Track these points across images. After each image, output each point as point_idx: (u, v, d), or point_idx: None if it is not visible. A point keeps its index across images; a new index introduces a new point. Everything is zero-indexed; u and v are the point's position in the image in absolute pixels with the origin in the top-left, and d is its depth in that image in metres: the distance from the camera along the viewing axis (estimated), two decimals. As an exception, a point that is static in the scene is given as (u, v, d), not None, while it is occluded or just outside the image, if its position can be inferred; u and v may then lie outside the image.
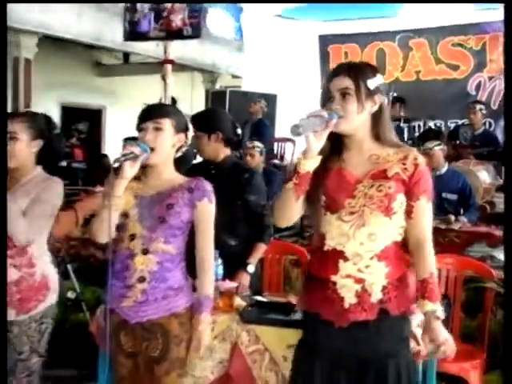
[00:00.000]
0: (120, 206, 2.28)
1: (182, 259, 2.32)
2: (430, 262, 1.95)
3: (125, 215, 2.29)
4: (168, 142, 2.30)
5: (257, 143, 5.28)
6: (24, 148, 2.54)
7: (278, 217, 2.08)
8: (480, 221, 4.72)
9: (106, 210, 2.26)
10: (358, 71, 1.95)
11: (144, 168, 2.32)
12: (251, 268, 3.10)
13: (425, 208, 1.95)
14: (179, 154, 2.37)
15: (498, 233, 4.21)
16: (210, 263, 2.32)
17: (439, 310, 1.92)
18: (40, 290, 2.55)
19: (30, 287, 2.52)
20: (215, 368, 2.58)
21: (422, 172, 1.94)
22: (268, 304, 2.71)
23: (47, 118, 2.78)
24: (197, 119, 3.06)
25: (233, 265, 2.99)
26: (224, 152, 3.13)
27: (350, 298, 1.93)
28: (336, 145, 2.01)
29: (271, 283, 3.45)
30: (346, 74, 1.94)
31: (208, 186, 2.31)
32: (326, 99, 1.97)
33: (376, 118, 1.96)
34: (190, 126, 2.43)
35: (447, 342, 1.93)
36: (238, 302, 2.70)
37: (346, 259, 1.93)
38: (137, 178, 2.36)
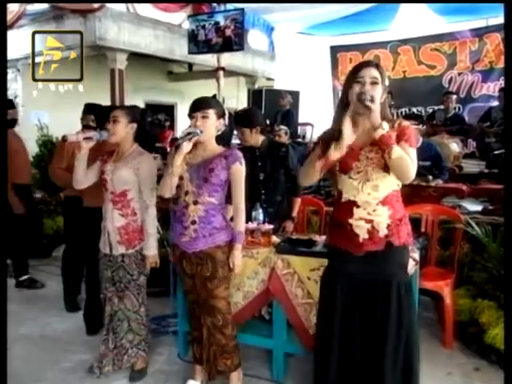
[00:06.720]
0: (178, 173, 2.28)
1: (223, 207, 2.33)
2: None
3: (180, 178, 2.29)
4: (212, 126, 2.29)
5: (282, 126, 5.14)
6: (123, 128, 2.53)
7: (304, 179, 2.05)
8: (451, 179, 4.59)
9: (169, 175, 2.27)
10: (382, 68, 1.90)
11: (195, 144, 2.32)
12: (294, 218, 3.19)
13: (408, 149, 1.82)
14: (219, 132, 2.35)
15: (465, 188, 4.09)
16: (242, 209, 2.31)
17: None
18: (141, 231, 2.54)
19: (134, 230, 2.53)
20: (259, 285, 2.62)
21: (405, 127, 1.87)
22: (296, 240, 2.72)
23: (143, 110, 2.75)
24: (240, 119, 3.04)
25: (279, 213, 3.10)
26: (261, 138, 3.11)
27: (363, 235, 1.90)
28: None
29: (298, 226, 3.44)
30: (375, 67, 1.87)
31: (239, 153, 2.30)
32: (355, 82, 1.85)
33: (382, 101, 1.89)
34: (227, 112, 2.39)
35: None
36: (275, 238, 2.71)
37: (357, 206, 1.90)
38: (189, 152, 2.35)
